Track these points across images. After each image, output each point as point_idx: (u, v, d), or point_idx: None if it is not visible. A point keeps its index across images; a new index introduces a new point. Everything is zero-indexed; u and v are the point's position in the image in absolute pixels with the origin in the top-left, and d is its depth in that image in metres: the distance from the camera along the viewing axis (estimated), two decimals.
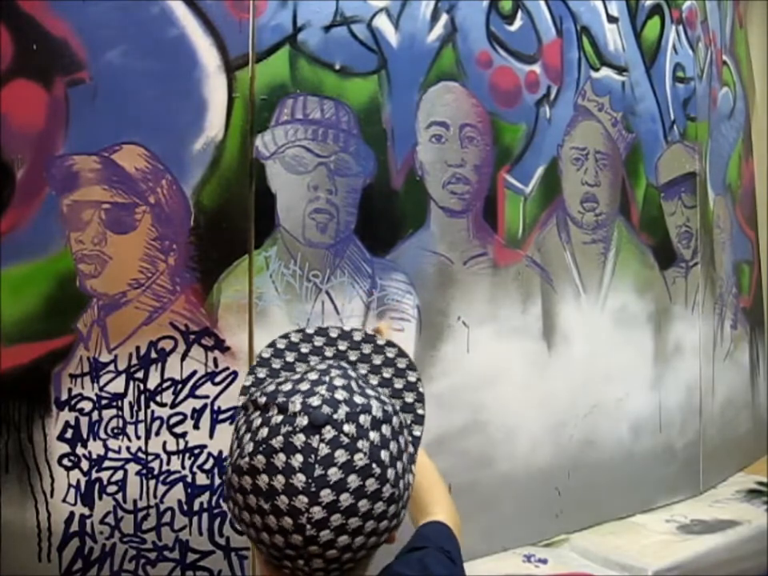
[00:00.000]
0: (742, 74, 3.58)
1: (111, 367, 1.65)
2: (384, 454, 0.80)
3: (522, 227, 2.35)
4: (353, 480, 0.78)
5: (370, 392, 0.86)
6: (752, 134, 3.69)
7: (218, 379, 1.76)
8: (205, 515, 1.74)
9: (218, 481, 1.76)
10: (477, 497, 2.24)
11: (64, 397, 1.60)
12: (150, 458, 1.69)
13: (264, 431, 0.81)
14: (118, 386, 1.66)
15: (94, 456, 1.63)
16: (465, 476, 2.19)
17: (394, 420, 0.85)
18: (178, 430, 1.72)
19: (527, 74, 2.36)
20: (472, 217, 2.23)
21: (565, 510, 2.45)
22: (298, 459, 0.78)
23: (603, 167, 2.58)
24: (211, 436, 1.75)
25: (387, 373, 0.99)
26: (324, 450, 0.78)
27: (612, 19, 2.63)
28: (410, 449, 0.89)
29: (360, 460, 0.78)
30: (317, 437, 0.78)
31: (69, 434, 1.61)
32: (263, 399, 0.84)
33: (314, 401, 0.81)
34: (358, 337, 1.03)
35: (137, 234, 1.67)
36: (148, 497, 1.69)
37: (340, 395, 0.83)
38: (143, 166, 1.66)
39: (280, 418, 0.81)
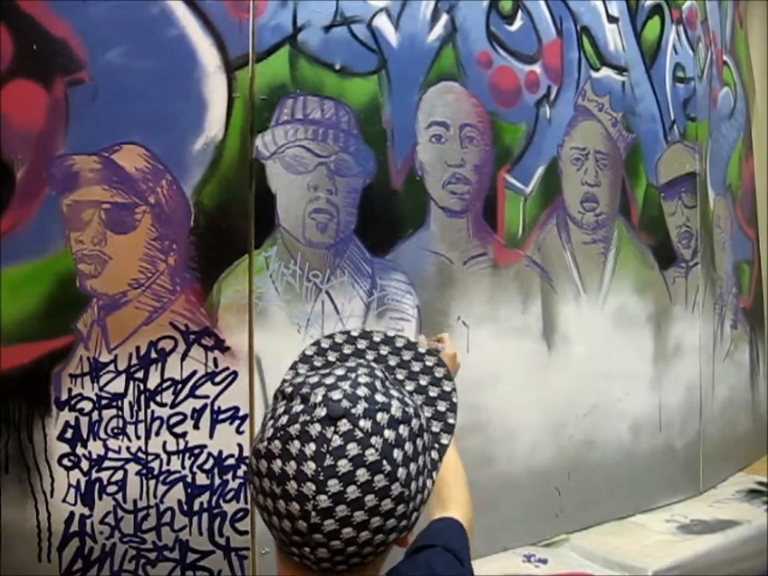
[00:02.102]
0: (742, 74, 3.58)
1: (111, 367, 1.65)
2: (397, 453, 0.82)
3: (522, 227, 2.35)
4: (361, 474, 0.80)
5: (394, 393, 0.88)
6: (752, 133, 3.69)
7: (217, 379, 1.76)
8: (205, 515, 1.74)
9: (218, 481, 1.76)
10: (477, 497, 2.23)
11: (64, 397, 1.60)
12: (150, 457, 1.69)
13: (284, 419, 0.84)
14: (117, 386, 1.66)
15: (94, 456, 1.63)
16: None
17: (414, 422, 0.87)
18: (178, 429, 1.72)
19: (527, 74, 2.36)
20: (472, 217, 2.23)
21: (565, 510, 2.45)
22: (311, 448, 0.80)
23: (603, 167, 2.58)
24: (211, 436, 1.75)
25: (424, 380, 1.01)
26: (337, 441, 0.81)
27: (612, 19, 2.63)
28: (433, 455, 0.91)
29: (371, 455, 0.80)
30: (332, 428, 0.81)
31: (69, 433, 1.61)
32: (290, 389, 0.87)
33: (335, 394, 0.84)
34: (400, 343, 1.05)
35: (137, 234, 1.67)
36: (148, 497, 1.69)
37: (361, 392, 0.85)
38: (143, 166, 1.66)
39: (301, 407, 0.84)
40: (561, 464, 2.45)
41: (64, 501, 1.60)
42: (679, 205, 2.87)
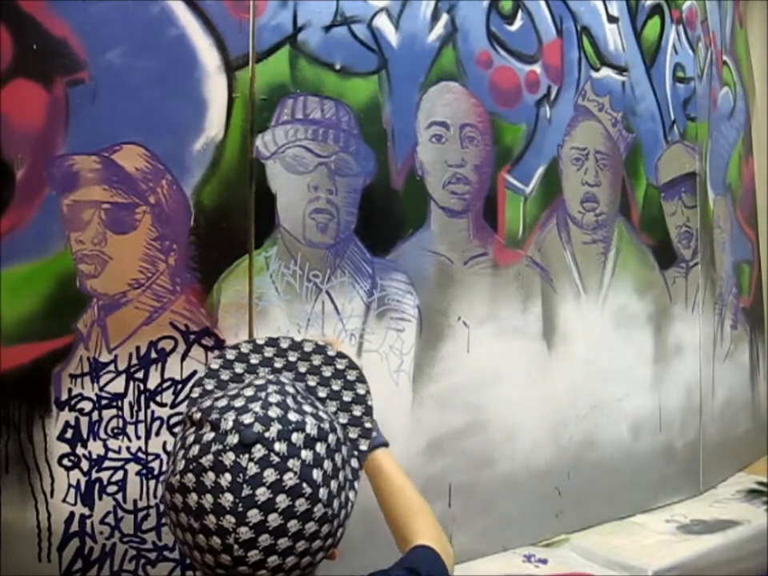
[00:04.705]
0: (742, 74, 3.58)
1: (111, 367, 1.64)
2: (316, 474, 0.79)
3: (523, 227, 2.35)
4: (282, 500, 0.76)
5: (307, 408, 0.84)
6: (752, 134, 3.69)
7: None
8: None
9: None
10: (477, 497, 2.24)
11: (64, 397, 1.60)
12: (149, 457, 1.69)
13: (195, 449, 0.80)
14: (117, 386, 1.66)
15: (94, 456, 1.63)
16: (465, 476, 2.19)
17: (330, 438, 0.83)
18: (178, 430, 1.71)
19: (527, 73, 2.36)
20: (472, 217, 2.23)
21: (565, 510, 2.45)
22: (226, 478, 0.76)
23: (603, 167, 2.58)
24: None
25: (336, 385, 0.97)
26: (253, 469, 0.77)
27: (612, 19, 2.63)
28: (353, 463, 0.87)
29: (290, 480, 0.77)
30: (246, 456, 0.77)
31: (69, 434, 1.61)
32: (198, 415, 0.84)
33: (247, 418, 0.80)
34: (308, 347, 1.01)
35: (137, 234, 1.66)
36: (148, 497, 1.69)
37: (273, 412, 0.81)
38: (143, 166, 1.66)
39: (212, 435, 0.80)
40: (561, 464, 2.45)
41: (64, 501, 1.60)
42: (679, 205, 2.88)
